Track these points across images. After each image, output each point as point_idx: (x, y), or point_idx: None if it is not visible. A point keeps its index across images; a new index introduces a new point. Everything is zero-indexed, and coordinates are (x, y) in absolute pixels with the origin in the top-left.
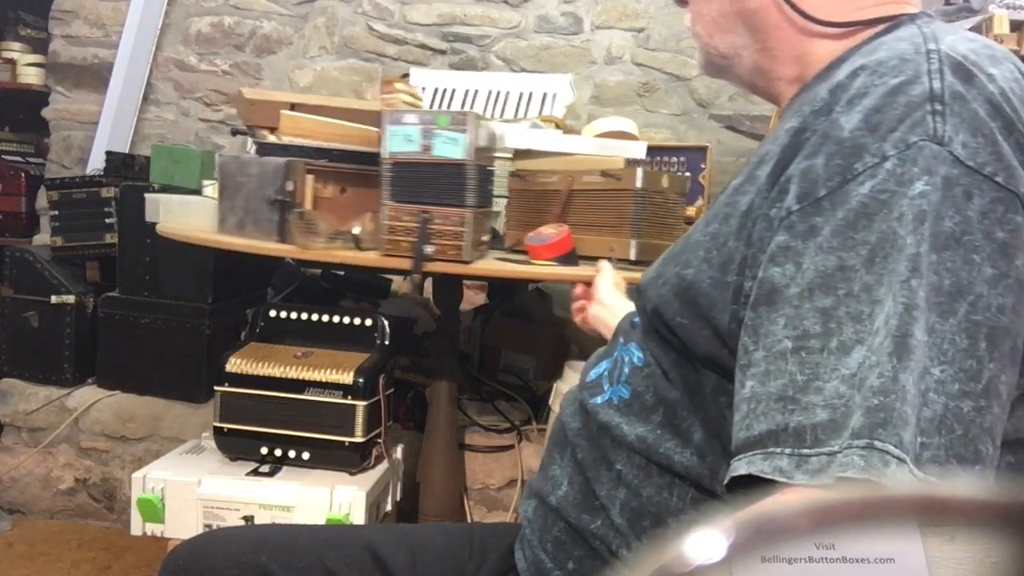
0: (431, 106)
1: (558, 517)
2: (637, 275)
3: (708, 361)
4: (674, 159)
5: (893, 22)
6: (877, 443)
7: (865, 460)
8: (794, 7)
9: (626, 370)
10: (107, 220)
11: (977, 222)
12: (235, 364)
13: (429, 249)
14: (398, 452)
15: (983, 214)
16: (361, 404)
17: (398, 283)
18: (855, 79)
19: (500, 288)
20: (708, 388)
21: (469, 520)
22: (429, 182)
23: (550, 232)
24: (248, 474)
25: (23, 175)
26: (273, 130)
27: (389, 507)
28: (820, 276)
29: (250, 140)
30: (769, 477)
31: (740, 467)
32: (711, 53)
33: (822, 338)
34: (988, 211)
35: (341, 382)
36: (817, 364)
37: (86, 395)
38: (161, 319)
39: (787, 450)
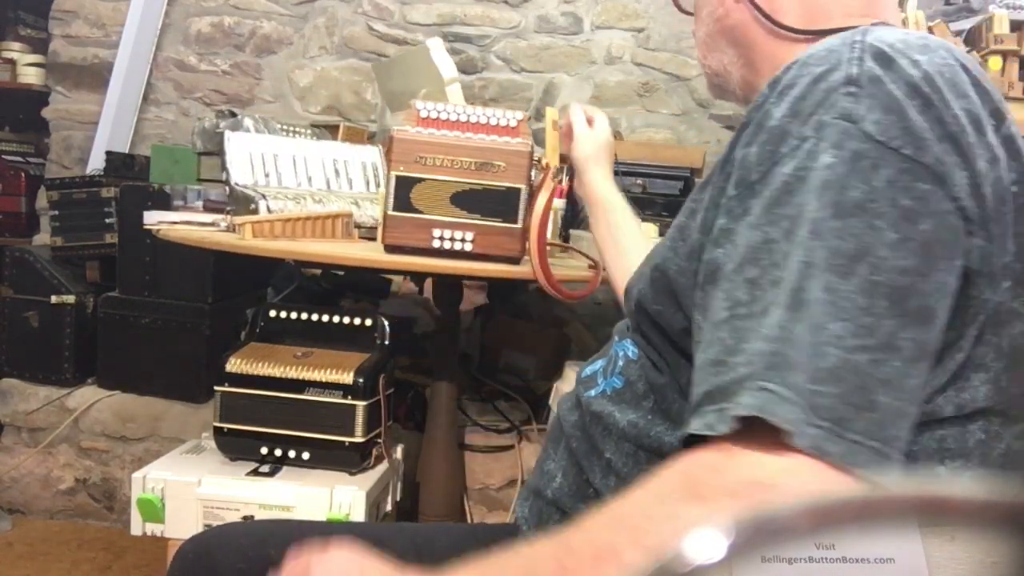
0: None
1: (555, 509)
2: None
3: (685, 343)
4: None
5: None
6: (768, 384)
7: (755, 398)
8: (765, 15)
9: (620, 363)
10: (107, 220)
11: (883, 190)
12: (235, 364)
13: None
14: (398, 452)
15: (890, 183)
16: (361, 404)
17: (398, 283)
18: (788, 72)
19: (500, 288)
20: (690, 372)
21: (469, 520)
22: None
23: None
24: (248, 474)
25: (23, 175)
26: None
27: (389, 507)
28: (749, 250)
29: None
30: (701, 433)
31: (684, 433)
32: (708, 74)
33: (749, 305)
34: (894, 180)
35: (341, 382)
36: (744, 329)
37: (86, 395)
38: (161, 319)
39: (715, 407)
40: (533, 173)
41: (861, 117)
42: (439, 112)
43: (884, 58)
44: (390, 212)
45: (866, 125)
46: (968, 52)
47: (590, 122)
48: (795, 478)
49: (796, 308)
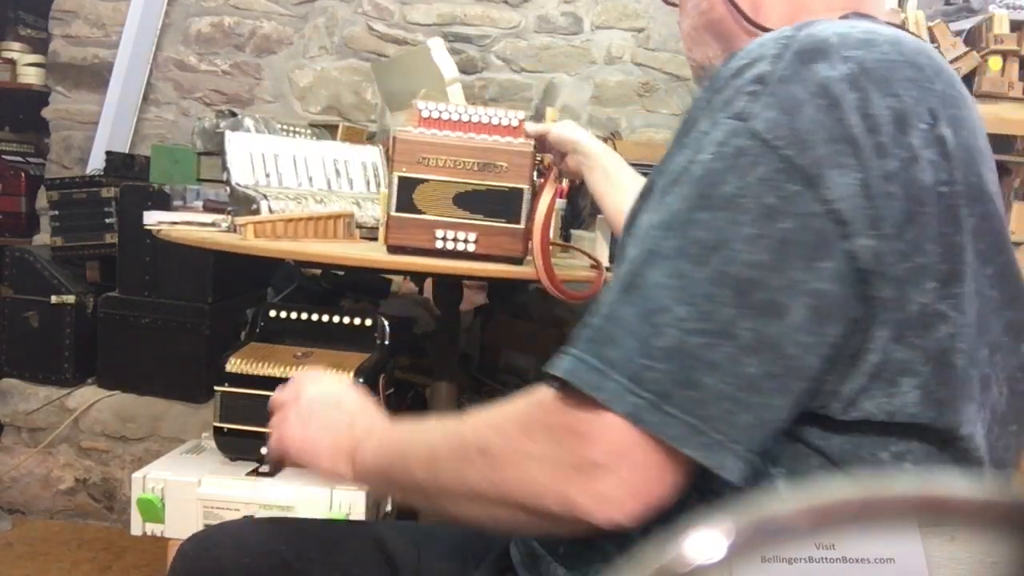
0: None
1: None
2: None
3: None
4: None
5: None
6: (582, 354)
7: (568, 364)
8: (743, 15)
9: None
10: (107, 220)
11: (753, 187)
12: (235, 364)
13: None
14: None
15: (761, 181)
16: None
17: (398, 283)
18: (726, 64)
19: (500, 288)
20: None
21: None
22: None
23: None
24: (248, 474)
25: (23, 175)
26: None
27: (389, 507)
28: (638, 233)
29: None
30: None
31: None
32: (693, 66)
33: (619, 279)
34: (767, 179)
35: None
36: (598, 303)
37: (86, 395)
38: (161, 319)
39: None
40: (535, 173)
41: (753, 115)
42: (440, 112)
43: (804, 56)
44: (392, 213)
45: (756, 123)
46: (968, 52)
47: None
48: (608, 436)
49: (628, 291)
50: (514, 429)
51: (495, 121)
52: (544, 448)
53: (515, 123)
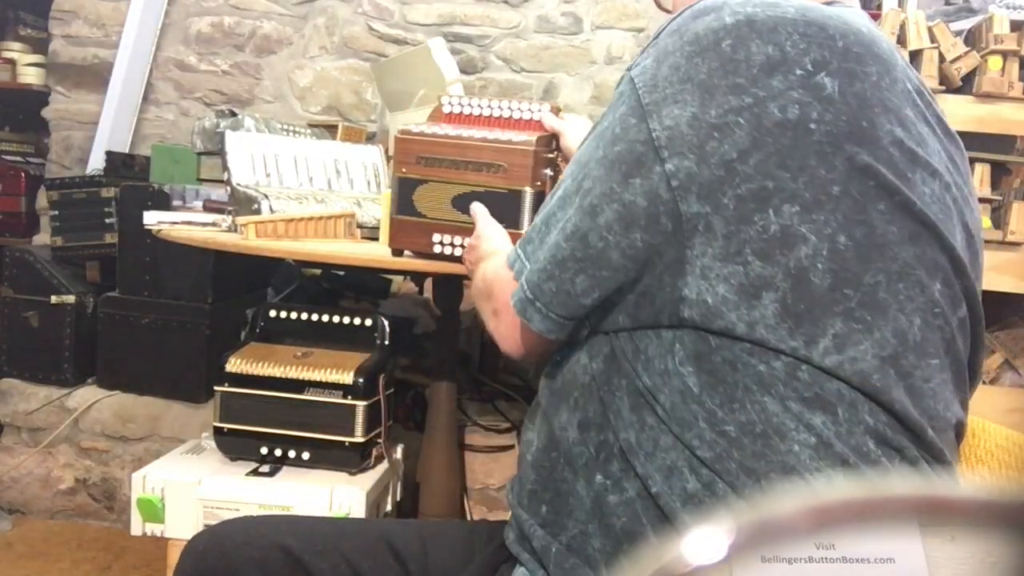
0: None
1: (531, 470)
2: None
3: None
4: None
5: None
6: (518, 250)
7: (511, 254)
8: None
9: None
10: (107, 220)
11: (615, 121)
12: (235, 364)
13: None
14: (398, 452)
15: (620, 116)
16: (361, 404)
17: (398, 283)
18: None
19: None
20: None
21: (469, 519)
22: None
23: None
24: (248, 474)
25: (23, 175)
26: None
27: (389, 507)
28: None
29: None
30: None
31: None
32: None
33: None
34: (623, 115)
35: (341, 382)
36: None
37: (86, 395)
38: (161, 319)
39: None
40: (549, 172)
41: (637, 66)
42: (463, 107)
43: (697, 12)
44: (394, 215)
45: (634, 72)
46: (968, 52)
47: (556, 112)
48: (504, 294)
49: (543, 210)
50: (485, 279)
51: (516, 115)
52: (488, 296)
53: (537, 116)
